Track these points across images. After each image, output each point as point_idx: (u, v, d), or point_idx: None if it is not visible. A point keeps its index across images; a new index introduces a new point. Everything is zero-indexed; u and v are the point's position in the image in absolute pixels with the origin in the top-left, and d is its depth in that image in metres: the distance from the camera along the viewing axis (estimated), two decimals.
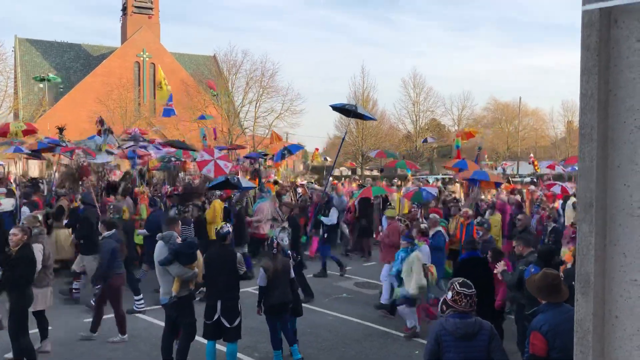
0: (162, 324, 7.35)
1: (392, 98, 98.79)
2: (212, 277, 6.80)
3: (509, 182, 19.61)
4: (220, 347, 7.17)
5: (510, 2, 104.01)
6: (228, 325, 6.76)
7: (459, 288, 4.51)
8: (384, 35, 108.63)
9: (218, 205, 12.25)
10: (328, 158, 35.12)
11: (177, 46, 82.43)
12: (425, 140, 26.71)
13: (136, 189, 13.70)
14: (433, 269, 8.77)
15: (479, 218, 11.44)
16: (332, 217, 13.51)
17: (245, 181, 8.83)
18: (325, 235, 13.18)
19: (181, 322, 6.94)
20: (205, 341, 7.00)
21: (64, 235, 11.50)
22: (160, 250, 7.01)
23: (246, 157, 21.36)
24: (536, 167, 25.88)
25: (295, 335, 7.79)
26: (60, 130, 15.66)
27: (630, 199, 2.31)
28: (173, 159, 17.13)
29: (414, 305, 8.60)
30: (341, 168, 49.20)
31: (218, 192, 13.36)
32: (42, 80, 15.41)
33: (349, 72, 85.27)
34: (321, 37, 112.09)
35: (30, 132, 15.33)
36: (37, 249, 7.26)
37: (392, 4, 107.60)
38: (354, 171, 48.21)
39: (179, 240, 7.03)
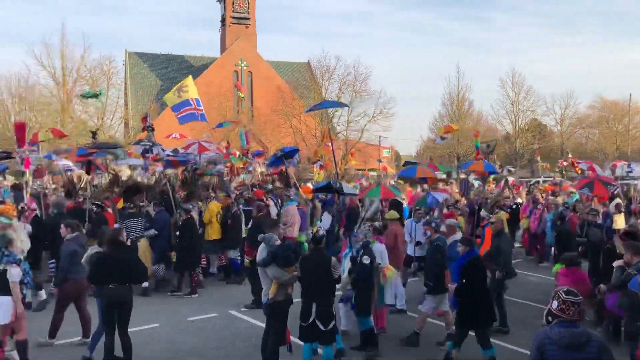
0: (263, 325, 7.47)
1: (488, 99, 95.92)
2: (307, 280, 6.88)
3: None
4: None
5: None
6: (323, 329, 6.81)
7: (564, 296, 4.28)
8: (477, 35, 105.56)
9: (214, 206, 12.64)
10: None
11: (272, 54, 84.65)
12: (441, 139, 25.08)
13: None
14: (387, 272, 8.41)
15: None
16: (324, 223, 12.85)
17: (347, 186, 8.84)
18: None
19: (271, 326, 7.04)
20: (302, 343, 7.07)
21: (144, 246, 11.70)
22: (261, 251, 7.18)
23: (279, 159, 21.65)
24: None
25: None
26: (94, 133, 16.58)
27: None
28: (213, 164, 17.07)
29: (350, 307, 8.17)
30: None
31: (213, 194, 13.64)
32: (92, 96, 16.22)
33: (443, 73, 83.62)
34: (413, 40, 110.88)
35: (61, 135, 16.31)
36: None
37: (483, 3, 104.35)
38: (449, 174, 47.05)
39: (277, 242, 7.14)
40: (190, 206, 12.12)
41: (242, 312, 10.08)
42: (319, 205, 14.88)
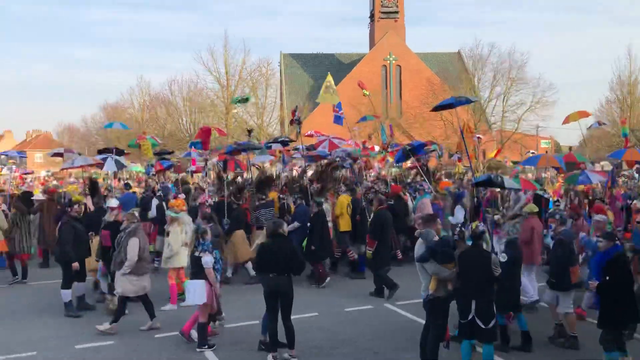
0: (420, 320, 7.45)
1: None
2: (466, 276, 6.74)
3: None
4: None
5: None
6: (483, 327, 6.64)
7: None
8: None
9: (344, 199, 12.91)
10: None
11: (421, 46, 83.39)
12: (598, 124, 22.22)
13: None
14: None
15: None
16: (457, 216, 12.40)
17: (508, 180, 8.51)
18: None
19: (432, 321, 6.99)
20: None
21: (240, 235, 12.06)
22: (418, 246, 7.17)
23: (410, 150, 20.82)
24: None
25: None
26: (250, 132, 17.53)
27: None
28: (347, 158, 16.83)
29: None
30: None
31: (344, 187, 13.85)
32: (241, 101, 17.06)
33: (611, 56, 76.21)
34: (575, 20, 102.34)
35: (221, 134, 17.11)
36: (134, 243, 8.65)
37: None
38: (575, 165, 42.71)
39: (436, 238, 7.09)
40: (323, 199, 12.49)
41: (398, 305, 10.07)
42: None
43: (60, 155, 18.67)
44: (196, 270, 7.99)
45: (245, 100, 17.88)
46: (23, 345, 8.23)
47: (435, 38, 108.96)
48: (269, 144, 16.97)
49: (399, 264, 12.60)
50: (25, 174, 31.10)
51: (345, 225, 12.69)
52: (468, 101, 13.42)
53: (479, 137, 21.87)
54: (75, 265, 9.76)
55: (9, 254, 12.51)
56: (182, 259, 10.15)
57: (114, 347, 8.16)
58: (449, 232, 8.94)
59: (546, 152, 35.22)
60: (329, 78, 15.86)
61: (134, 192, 16.15)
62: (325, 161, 15.45)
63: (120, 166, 14.42)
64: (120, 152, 16.29)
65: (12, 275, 12.38)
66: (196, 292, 7.85)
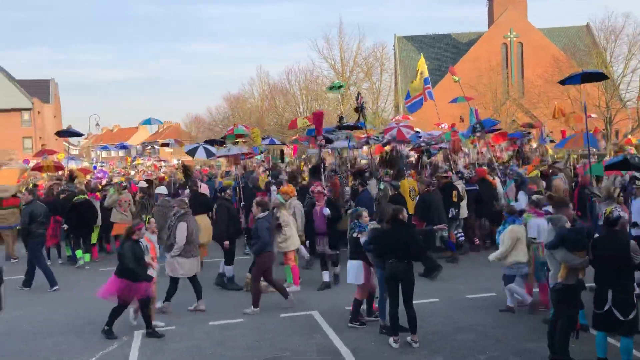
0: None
1: None
2: (601, 264, 6.32)
3: None
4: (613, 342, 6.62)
5: None
6: (622, 318, 6.19)
7: None
8: None
9: (407, 183, 13.14)
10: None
11: (545, 21, 78.39)
12: None
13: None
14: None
15: None
16: (520, 202, 11.57)
17: None
18: None
19: (561, 311, 6.65)
20: (595, 332, 6.55)
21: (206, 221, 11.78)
22: (548, 233, 6.90)
23: (510, 137, 19.55)
24: None
25: None
26: (341, 119, 17.25)
27: None
28: (423, 144, 16.58)
29: (511, 281, 8.55)
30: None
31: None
32: (337, 87, 17.82)
33: None
34: None
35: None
36: (182, 227, 9.08)
37: None
38: None
39: (567, 224, 6.72)
40: (398, 183, 12.68)
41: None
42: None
43: (166, 145, 20.57)
44: (354, 250, 8.31)
45: (339, 87, 17.87)
46: (160, 318, 8.93)
47: (560, 12, 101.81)
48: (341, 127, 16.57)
49: (477, 249, 12.78)
50: (160, 161, 33.79)
51: (408, 209, 12.45)
52: (601, 76, 12.52)
53: (590, 116, 20.08)
54: (226, 243, 10.56)
55: None
56: (296, 241, 10.47)
57: (244, 325, 8.63)
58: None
59: None
60: (422, 62, 16.13)
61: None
62: (389, 147, 15.52)
63: (209, 154, 14.91)
64: (220, 143, 17.42)
65: None
66: (355, 272, 8.18)
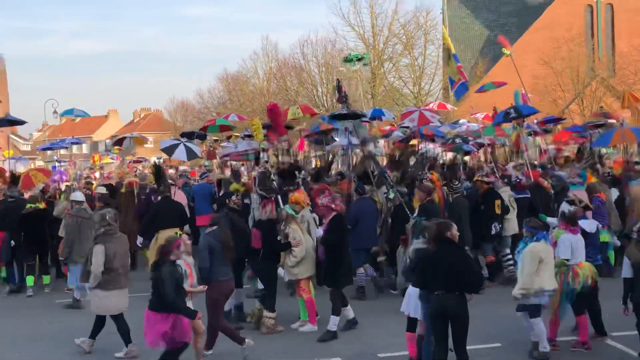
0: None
1: None
2: None
3: None
4: None
5: None
6: None
7: None
8: None
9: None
10: None
11: None
12: None
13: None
14: (580, 270, 8.77)
15: None
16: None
17: None
18: None
19: None
20: None
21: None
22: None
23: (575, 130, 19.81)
24: None
25: None
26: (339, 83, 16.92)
27: None
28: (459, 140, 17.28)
29: (537, 315, 8.66)
30: None
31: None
32: (357, 59, 17.76)
33: None
34: None
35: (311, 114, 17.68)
36: (98, 251, 9.12)
37: None
38: None
39: None
40: (405, 189, 12.92)
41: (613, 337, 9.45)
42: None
43: (120, 142, 20.13)
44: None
45: (359, 60, 17.99)
46: None
47: None
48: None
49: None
50: (137, 162, 33.03)
51: None
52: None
53: None
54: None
55: None
56: (310, 266, 10.46)
57: None
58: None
59: None
60: (445, 35, 16.27)
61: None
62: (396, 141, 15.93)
63: (192, 155, 15.11)
64: (201, 137, 17.75)
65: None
66: (416, 301, 8.13)
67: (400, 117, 17.26)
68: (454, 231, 7.69)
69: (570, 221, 9.02)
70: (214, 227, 9.34)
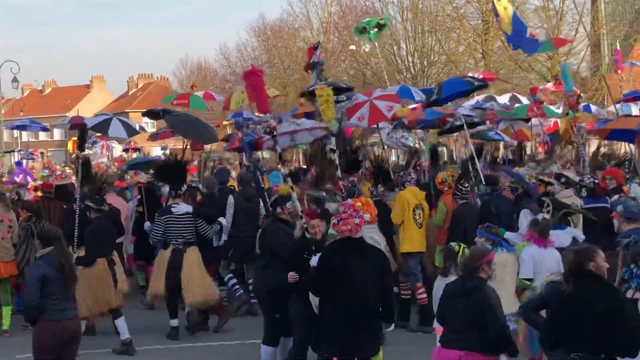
0: None
1: None
2: None
3: None
4: None
5: None
6: None
7: None
8: None
9: (409, 195, 13.37)
10: None
11: None
12: None
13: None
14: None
15: None
16: (521, 225, 10.80)
17: None
18: None
19: None
20: None
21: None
22: None
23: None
24: None
25: None
26: (316, 48, 15.02)
27: None
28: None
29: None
30: None
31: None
32: (368, 30, 14.90)
33: None
34: None
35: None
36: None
37: None
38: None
39: None
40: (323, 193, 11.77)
41: None
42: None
43: (76, 126, 15.64)
44: None
45: (380, 27, 16.40)
46: None
47: None
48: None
49: None
50: (129, 150, 30.96)
51: (411, 241, 11.43)
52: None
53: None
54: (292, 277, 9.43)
55: None
56: None
57: None
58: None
59: None
60: None
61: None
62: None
63: (131, 131, 14.28)
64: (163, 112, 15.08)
65: None
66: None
67: (347, 112, 13.77)
68: (600, 262, 6.11)
69: (541, 233, 8.51)
70: (49, 249, 7.77)
